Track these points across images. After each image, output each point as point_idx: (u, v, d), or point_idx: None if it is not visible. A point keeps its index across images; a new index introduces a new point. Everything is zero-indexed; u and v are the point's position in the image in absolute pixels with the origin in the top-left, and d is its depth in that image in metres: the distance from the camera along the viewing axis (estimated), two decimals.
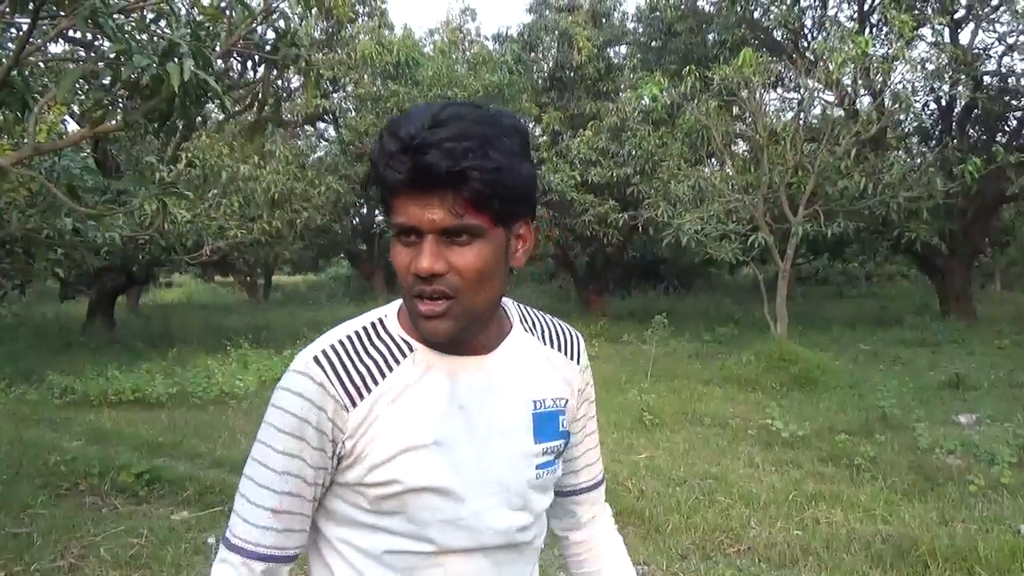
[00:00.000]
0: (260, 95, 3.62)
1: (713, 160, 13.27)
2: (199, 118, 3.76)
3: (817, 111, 14.05)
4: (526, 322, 1.18)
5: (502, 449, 1.08)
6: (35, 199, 5.07)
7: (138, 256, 11.51)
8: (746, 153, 14.35)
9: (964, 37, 14.09)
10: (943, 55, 11.13)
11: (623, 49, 18.99)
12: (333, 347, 1.04)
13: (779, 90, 14.89)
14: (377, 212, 21.66)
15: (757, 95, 10.10)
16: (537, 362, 1.15)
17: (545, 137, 15.94)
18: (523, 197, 1.00)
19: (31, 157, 3.28)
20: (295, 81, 15.24)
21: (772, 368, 9.30)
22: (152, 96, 2.77)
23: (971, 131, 15.63)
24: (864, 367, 10.42)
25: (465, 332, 1.02)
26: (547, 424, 1.13)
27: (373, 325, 1.08)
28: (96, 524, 4.62)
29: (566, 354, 1.19)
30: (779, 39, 14.81)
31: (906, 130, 15.80)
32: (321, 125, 20.41)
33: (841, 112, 11.13)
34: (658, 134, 13.18)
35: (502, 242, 1.00)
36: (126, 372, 9.54)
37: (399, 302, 1.10)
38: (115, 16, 2.83)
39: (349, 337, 1.06)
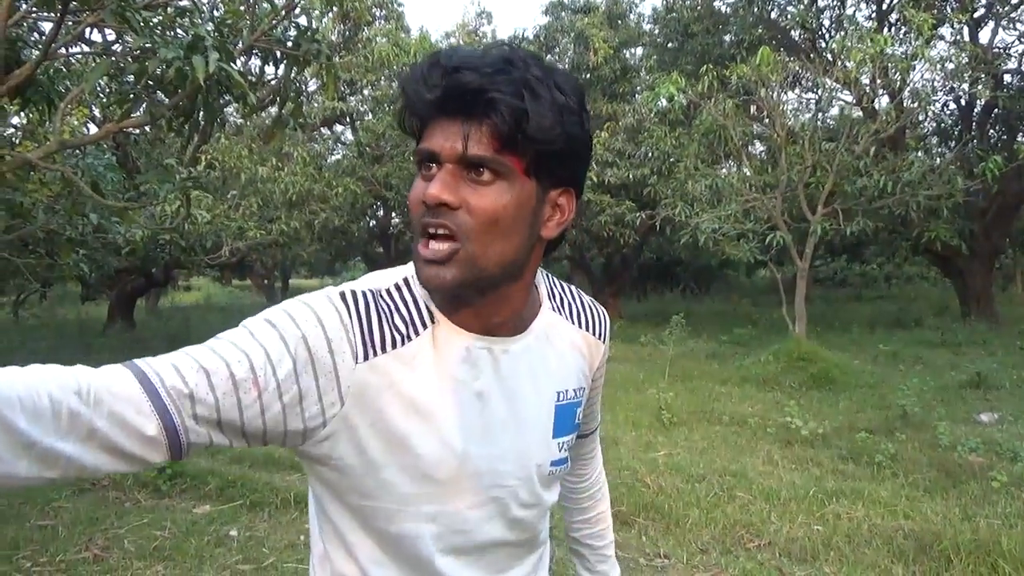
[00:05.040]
0: (282, 92, 3.66)
1: (730, 160, 13.24)
2: (219, 116, 3.81)
3: (834, 111, 14.01)
4: (554, 299, 1.08)
5: (522, 444, 1.01)
6: (57, 200, 5.14)
7: (159, 257, 11.62)
8: (762, 154, 14.31)
9: (984, 36, 14.00)
10: (963, 54, 11.05)
11: (639, 51, 18.99)
12: (364, 292, 0.93)
13: (796, 91, 14.83)
14: (394, 214, 21.73)
15: (775, 94, 10.06)
16: (565, 347, 1.06)
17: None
18: (563, 154, 0.88)
19: (57, 152, 3.32)
20: (311, 84, 15.37)
21: (791, 368, 9.26)
22: (177, 90, 2.80)
23: (991, 131, 15.49)
24: (884, 367, 10.33)
25: (472, 288, 0.90)
26: (565, 418, 1.06)
27: (397, 286, 0.96)
28: (119, 517, 4.67)
29: (594, 333, 1.11)
30: (796, 39, 14.77)
31: (925, 130, 15.69)
32: (338, 128, 20.56)
33: (859, 112, 11.07)
34: (675, 135, 13.17)
35: (531, 197, 0.88)
36: None
37: None
38: (140, 12, 2.87)
39: (376, 291, 0.94)
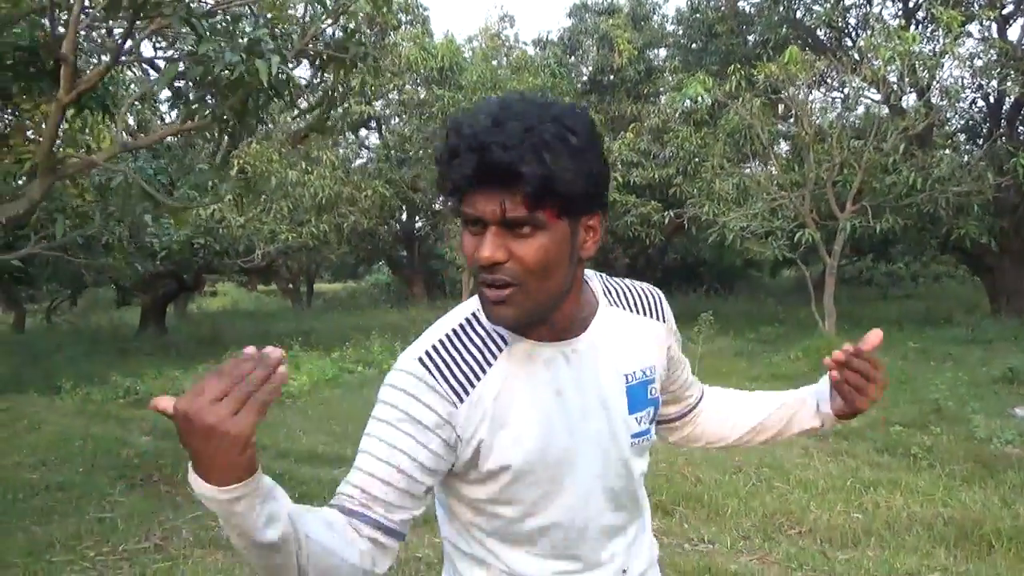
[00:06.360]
0: (331, 94, 3.78)
1: (756, 159, 13.27)
2: (264, 119, 3.94)
3: (860, 110, 13.98)
4: (610, 295, 1.23)
5: (603, 423, 1.16)
6: (104, 203, 5.31)
7: (193, 261, 11.86)
8: (788, 153, 14.31)
9: (1013, 33, 13.92)
10: (991, 51, 11.02)
11: (662, 52, 19.06)
12: (435, 347, 1.10)
13: (822, 90, 14.84)
14: (417, 218, 21.91)
15: (802, 93, 10.10)
16: (625, 334, 1.21)
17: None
18: (584, 194, 1.02)
19: (119, 154, 3.47)
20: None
21: (820, 365, 9.19)
22: (232, 93, 2.93)
23: (1020, 127, 15.37)
24: (915, 364, 10.30)
25: (531, 319, 1.07)
26: (639, 395, 1.20)
27: (468, 321, 1.14)
28: (174, 510, 4.83)
29: (652, 316, 1.25)
30: (822, 38, 14.77)
31: (953, 127, 15.60)
32: (363, 132, 20.76)
33: (886, 110, 11.07)
34: (700, 134, 13.22)
35: (566, 234, 1.03)
36: (185, 374, 9.85)
37: None
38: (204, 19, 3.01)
39: (448, 336, 1.12)
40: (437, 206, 19.21)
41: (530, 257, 1.01)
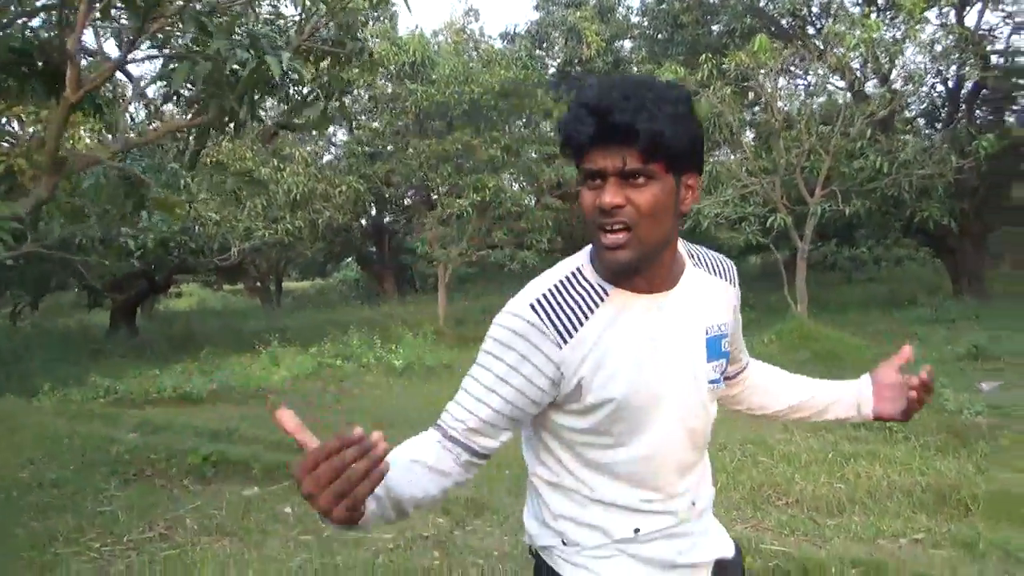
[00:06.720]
0: (328, 88, 3.86)
1: (725, 146, 13.50)
2: (258, 115, 4.00)
3: (822, 99, 14.27)
4: (693, 258, 1.40)
5: (687, 369, 1.32)
6: (98, 201, 5.31)
7: (169, 260, 11.78)
8: (755, 140, 14.56)
9: (970, 19, 14.29)
10: (950, 36, 11.34)
11: (627, 43, 19.23)
12: (544, 295, 1.26)
13: (786, 78, 15.12)
14: (386, 213, 21.83)
15: (771, 80, 10.33)
16: (707, 292, 1.37)
17: (555, 132, 16.14)
18: (687, 152, 1.20)
19: (121, 151, 3.52)
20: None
21: (794, 346, 9.54)
22: (247, 89, 3.00)
23: (978, 111, 15.81)
24: (882, 344, 10.61)
25: (644, 264, 1.24)
26: (715, 347, 1.36)
27: (573, 274, 1.30)
28: (173, 501, 4.87)
29: (726, 279, 1.43)
30: (786, 26, 15.04)
31: (913, 112, 15.99)
32: (330, 128, 20.61)
33: (849, 96, 11.35)
34: None
35: (672, 187, 1.21)
36: (163, 373, 9.81)
37: (587, 252, 1.33)
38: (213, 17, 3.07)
39: (556, 286, 1.28)
40: (408, 201, 19.22)
41: (644, 202, 1.18)
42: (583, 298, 1.27)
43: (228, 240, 11.92)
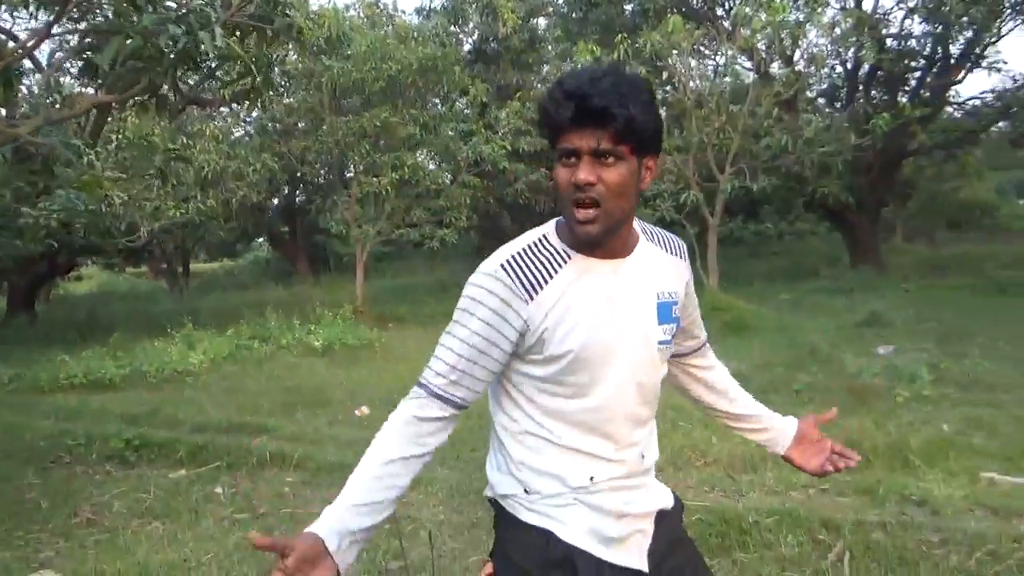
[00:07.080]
0: (256, 64, 3.83)
1: None
2: (180, 91, 3.95)
3: (730, 79, 14.76)
4: (646, 233, 1.55)
5: (639, 327, 1.48)
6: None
7: (74, 241, 11.30)
8: (667, 119, 14.93)
9: (867, 3, 14.98)
10: (848, 20, 11.89)
11: (543, 21, 19.32)
12: (513, 257, 1.42)
13: (697, 59, 15.51)
14: (299, 192, 21.37)
15: (685, 61, 10.63)
16: (658, 263, 1.53)
17: (472, 109, 16.12)
18: (652, 136, 1.36)
19: (43, 126, 3.43)
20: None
21: (707, 317, 9.65)
22: (179, 65, 2.98)
23: (874, 92, 16.64)
24: (788, 313, 11.16)
25: (608, 236, 1.39)
26: (666, 311, 1.52)
27: (539, 240, 1.45)
28: (97, 487, 4.79)
29: (677, 256, 1.59)
30: (696, 7, 15.42)
31: (815, 93, 16.70)
32: (235, 106, 19.96)
33: (754, 76, 11.80)
34: None
35: (635, 168, 1.37)
36: (73, 358, 9.46)
37: (554, 222, 1.48)
38: None
39: (524, 249, 1.43)
40: (320, 180, 18.87)
41: (613, 181, 1.34)
42: (548, 260, 1.43)
43: (136, 220, 11.50)
